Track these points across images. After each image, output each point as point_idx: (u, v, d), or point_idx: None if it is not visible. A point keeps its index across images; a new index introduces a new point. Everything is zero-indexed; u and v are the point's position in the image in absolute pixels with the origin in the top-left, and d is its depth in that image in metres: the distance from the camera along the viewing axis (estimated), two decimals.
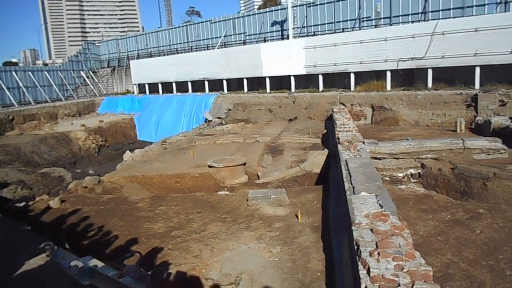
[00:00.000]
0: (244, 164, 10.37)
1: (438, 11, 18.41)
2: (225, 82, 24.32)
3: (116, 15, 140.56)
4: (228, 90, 24.33)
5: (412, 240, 3.83)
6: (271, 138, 14.00)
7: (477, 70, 15.36)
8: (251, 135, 14.76)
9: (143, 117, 25.87)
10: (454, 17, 17.41)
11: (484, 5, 17.30)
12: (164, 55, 31.39)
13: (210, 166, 10.04)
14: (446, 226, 6.31)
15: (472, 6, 17.52)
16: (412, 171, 8.42)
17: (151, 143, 18.10)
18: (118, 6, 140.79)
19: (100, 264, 3.82)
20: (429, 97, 15.46)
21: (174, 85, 27.80)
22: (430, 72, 16.57)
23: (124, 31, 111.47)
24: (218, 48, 26.77)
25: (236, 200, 8.14)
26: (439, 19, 17.42)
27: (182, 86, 27.55)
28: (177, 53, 30.67)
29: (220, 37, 27.85)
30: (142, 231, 6.82)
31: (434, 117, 15.21)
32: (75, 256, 3.76)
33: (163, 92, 28.84)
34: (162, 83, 28.80)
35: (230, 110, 21.72)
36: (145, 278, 3.94)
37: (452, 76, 16.26)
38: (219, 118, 21.29)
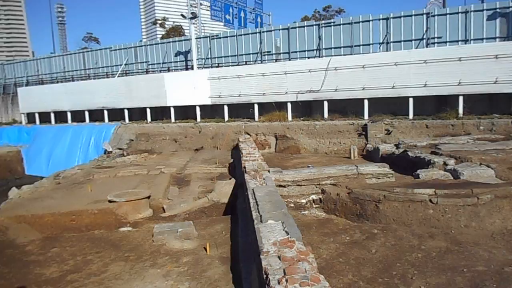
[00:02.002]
0: (149, 197, 9.90)
1: (331, 48, 20.23)
2: (126, 112, 23.38)
3: (2, 37, 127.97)
4: (130, 119, 23.41)
5: (316, 264, 3.96)
6: (177, 169, 13.67)
7: (366, 102, 17.08)
8: (156, 166, 14.25)
9: (32, 149, 23.46)
10: (344, 55, 19.25)
11: (369, 44, 19.47)
12: (57, 82, 29.24)
13: (110, 201, 9.37)
14: (346, 248, 6.69)
15: (359, 45, 19.59)
16: (314, 196, 8.84)
17: (42, 177, 16.37)
18: (4, 28, 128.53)
19: None
20: (326, 127, 16.66)
21: (69, 114, 25.88)
22: (325, 104, 17.94)
23: (12, 56, 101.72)
24: (118, 76, 25.80)
25: (140, 236, 7.68)
26: (331, 55, 19.12)
27: (78, 116, 25.75)
28: (73, 80, 28.80)
29: (121, 65, 26.93)
30: (32, 278, 6.03)
31: (331, 145, 16.40)
32: None
33: (56, 122, 26.64)
34: (55, 112, 26.63)
35: (132, 140, 20.83)
36: None
37: (345, 108, 17.82)
38: (120, 149, 20.24)
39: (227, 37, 23.42)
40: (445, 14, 18.16)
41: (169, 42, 26.26)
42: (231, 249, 6.76)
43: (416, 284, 5.41)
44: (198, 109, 20.96)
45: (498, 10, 17.11)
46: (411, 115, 16.31)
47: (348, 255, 6.38)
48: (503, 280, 5.37)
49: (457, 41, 17.87)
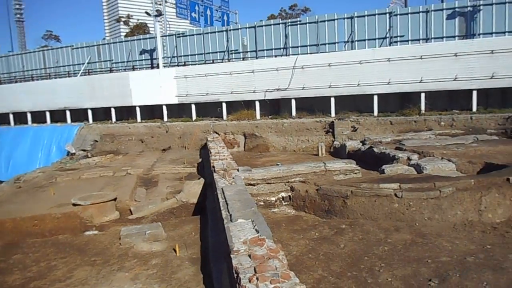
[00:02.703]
0: (115, 199, 9.65)
1: (297, 47, 20.40)
2: (90, 112, 22.69)
3: None
4: (94, 120, 22.74)
5: (286, 261, 3.97)
6: (144, 170, 13.40)
7: (332, 100, 17.37)
8: (122, 167, 13.92)
9: None
10: (310, 53, 19.47)
11: (335, 43, 19.79)
12: (16, 82, 27.98)
13: (74, 204, 9.07)
14: (315, 244, 6.75)
15: (325, 44, 19.87)
16: (283, 194, 8.88)
17: (1, 182, 15.68)
18: None
19: None
20: (294, 125, 16.80)
21: (29, 115, 24.83)
22: (293, 102, 18.10)
23: None
24: (81, 75, 24.98)
25: (106, 240, 7.46)
26: (298, 54, 19.29)
27: (39, 117, 24.74)
28: (33, 80, 27.62)
29: (83, 64, 26.09)
30: None
31: (299, 142, 16.57)
32: None
33: (15, 123, 25.49)
34: (14, 113, 25.47)
35: (96, 141, 20.24)
36: None
37: (312, 106, 18.04)
38: (84, 150, 19.63)
39: (193, 35, 23.15)
40: (407, 14, 18.71)
41: (134, 40, 25.67)
42: (201, 249, 6.68)
43: (383, 276, 5.54)
44: (164, 108, 20.62)
45: (457, 9, 17.81)
46: (376, 112, 16.73)
47: (318, 251, 6.44)
48: (465, 269, 5.58)
49: (419, 39, 18.46)
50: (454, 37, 17.95)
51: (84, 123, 22.24)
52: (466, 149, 10.85)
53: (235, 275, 3.76)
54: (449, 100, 16.54)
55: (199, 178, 11.15)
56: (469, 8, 17.66)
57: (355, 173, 9.43)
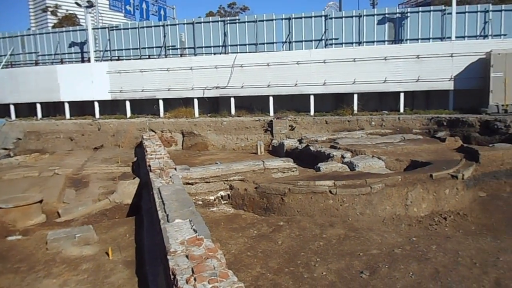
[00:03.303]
0: (41, 201, 8.99)
1: (236, 45, 20.40)
2: (12, 107, 20.92)
3: None
4: (17, 116, 21.01)
5: (225, 260, 3.96)
6: (74, 170, 12.65)
7: (271, 99, 17.62)
8: (49, 167, 13.01)
9: None
10: (249, 52, 19.57)
11: (273, 43, 20.07)
12: None
13: None
14: (254, 241, 6.80)
15: (264, 43, 20.09)
16: (222, 193, 8.85)
17: None
18: None
19: None
20: (233, 123, 16.80)
21: None
22: (232, 100, 18.09)
23: None
24: (2, 68, 22.93)
25: (31, 245, 6.91)
26: (237, 52, 19.30)
27: None
28: None
29: (5, 55, 23.99)
30: None
31: (238, 141, 16.60)
32: None
33: None
34: None
35: (20, 139, 18.73)
36: None
37: (252, 104, 18.17)
38: (5, 149, 18.08)
39: (128, 28, 22.21)
40: (341, 17, 19.48)
41: (62, 31, 24.04)
42: (136, 252, 6.44)
43: (319, 270, 5.71)
44: (96, 104, 19.60)
45: (387, 15, 18.89)
46: (312, 112, 17.25)
47: (256, 248, 6.49)
48: (394, 260, 5.92)
49: (352, 43, 19.31)
50: (384, 41, 19.03)
51: (6, 119, 20.45)
52: (394, 148, 11.56)
53: (172, 276, 3.68)
54: (380, 101, 17.51)
55: (134, 178, 10.76)
56: (397, 15, 18.82)
57: (293, 171, 9.65)
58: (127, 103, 19.32)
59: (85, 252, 6.44)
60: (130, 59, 21.11)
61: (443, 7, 18.89)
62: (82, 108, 20.45)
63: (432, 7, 19.99)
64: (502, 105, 14.43)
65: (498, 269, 5.52)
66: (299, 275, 5.62)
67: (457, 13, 17.18)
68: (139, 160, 13.42)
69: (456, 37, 17.00)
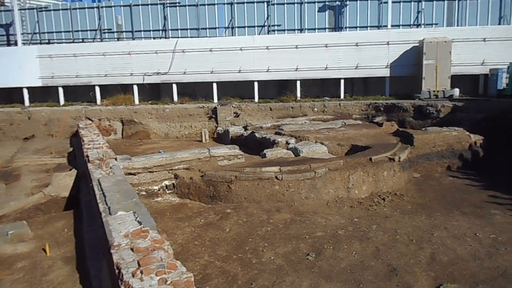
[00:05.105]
0: None
1: (177, 29, 19.79)
2: None
3: None
4: None
5: (172, 251, 3.89)
6: (2, 162, 11.70)
7: (215, 86, 17.40)
8: None
9: None
10: (191, 37, 19.10)
11: (215, 28, 19.73)
12: None
13: None
14: (201, 230, 6.73)
15: (206, 29, 19.68)
16: (167, 182, 8.62)
17: None
18: None
19: None
20: (176, 111, 16.37)
21: None
22: (174, 87, 17.62)
23: None
24: None
25: None
26: (178, 37, 18.75)
27: None
28: None
29: None
30: None
31: (182, 129, 16.24)
32: None
33: None
34: None
35: None
36: None
37: (195, 91, 17.82)
38: None
39: (58, 10, 20.67)
40: (284, 4, 19.55)
41: None
42: (76, 247, 6.12)
43: (267, 255, 5.78)
44: (25, 91, 18.19)
45: (327, 3, 19.26)
46: (256, 99, 17.29)
47: (204, 237, 6.43)
48: (338, 241, 6.14)
49: (294, 29, 19.50)
50: (325, 29, 19.43)
51: None
52: (336, 133, 11.93)
53: (117, 271, 3.56)
54: (322, 88, 17.95)
55: (70, 169, 10.15)
56: (337, 3, 19.26)
57: (239, 158, 9.63)
58: (60, 90, 18.13)
59: (19, 250, 6.01)
60: (62, 43, 19.74)
61: None
62: (9, 95, 18.88)
63: None
64: (434, 91, 15.43)
65: (433, 245, 5.93)
66: (248, 261, 5.65)
67: (392, 2, 17.95)
68: (75, 150, 12.68)
69: (392, 25, 17.81)
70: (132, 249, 3.82)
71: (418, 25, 18.87)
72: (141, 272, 3.37)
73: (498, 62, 15.48)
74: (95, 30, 20.31)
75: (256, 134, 12.28)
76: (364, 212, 7.69)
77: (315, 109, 15.83)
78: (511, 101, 13.42)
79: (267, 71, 17.11)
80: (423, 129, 12.16)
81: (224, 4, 19.63)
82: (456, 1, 18.72)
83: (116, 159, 8.17)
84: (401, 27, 18.65)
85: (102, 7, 20.53)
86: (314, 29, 19.37)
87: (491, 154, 11.03)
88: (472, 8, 18.71)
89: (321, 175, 8.26)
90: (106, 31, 20.35)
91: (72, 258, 5.74)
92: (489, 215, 7.38)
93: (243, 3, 19.53)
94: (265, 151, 10.06)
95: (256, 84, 17.28)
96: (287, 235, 6.50)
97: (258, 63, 17.08)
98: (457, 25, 18.48)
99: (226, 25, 19.74)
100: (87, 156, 8.29)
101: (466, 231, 6.40)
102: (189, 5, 19.83)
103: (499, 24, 18.52)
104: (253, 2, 19.51)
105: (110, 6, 20.65)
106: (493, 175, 9.90)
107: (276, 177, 8.05)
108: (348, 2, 19.21)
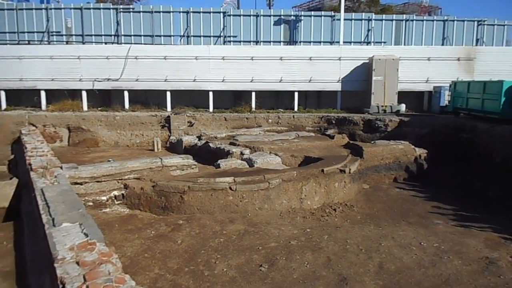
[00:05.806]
0: None
1: (130, 35, 19.37)
2: None
3: None
4: None
5: (121, 264, 3.75)
6: None
7: (168, 94, 17.14)
8: None
9: None
10: (145, 44, 18.75)
11: (170, 36, 19.51)
12: None
13: None
14: (152, 242, 6.53)
15: (160, 36, 19.40)
16: (116, 192, 8.29)
17: None
18: None
19: None
20: (127, 118, 15.90)
21: None
22: (126, 94, 17.15)
23: None
24: None
25: None
26: (131, 43, 18.34)
27: None
28: None
29: None
30: None
31: (133, 137, 15.77)
32: None
33: None
34: None
35: None
36: None
37: (148, 99, 17.45)
38: None
39: (3, 10, 19.57)
40: (240, 15, 19.79)
41: None
42: (16, 261, 5.72)
43: (220, 267, 5.71)
44: None
45: (282, 17, 19.71)
46: (211, 108, 17.23)
47: (154, 249, 6.25)
48: (290, 252, 6.19)
49: (250, 41, 19.75)
50: (280, 42, 19.83)
51: None
52: (289, 144, 12.11)
53: (61, 286, 3.37)
54: (276, 100, 18.24)
55: (11, 178, 9.52)
56: (292, 17, 19.76)
57: (192, 168, 9.47)
58: (2, 93, 17.10)
59: None
60: (6, 44, 18.65)
61: (333, 13, 20.41)
62: None
63: (323, 12, 21.49)
64: (382, 106, 16.16)
65: (381, 254, 6.13)
66: (200, 273, 5.55)
67: (345, 19, 18.71)
68: (17, 158, 11.93)
69: (344, 42, 18.53)
70: (77, 263, 3.64)
71: (368, 43, 19.79)
72: (87, 287, 3.21)
73: (441, 80, 16.55)
74: (43, 32, 19.42)
75: (211, 144, 12.19)
76: (316, 223, 7.83)
77: (270, 120, 16.02)
78: (452, 118, 14.39)
79: (222, 81, 17.13)
80: (372, 142, 12.66)
81: (179, 12, 19.54)
82: (404, 22, 19.86)
83: (61, 167, 7.77)
84: (352, 43, 19.46)
85: (50, 8, 19.73)
86: (270, 41, 19.74)
87: (434, 167, 11.69)
88: (418, 29, 19.96)
89: (274, 186, 8.33)
90: (54, 33, 19.53)
91: (12, 273, 5.39)
92: (432, 225, 7.77)
93: (199, 12, 19.54)
94: (219, 161, 10.00)
95: (211, 93, 17.23)
96: (240, 246, 6.46)
97: (214, 73, 17.07)
98: (404, 44, 19.59)
99: (182, 34, 19.62)
100: (30, 164, 7.83)
101: (411, 240, 6.68)
102: (143, 12, 19.55)
103: (443, 44, 19.87)
104: (209, 12, 19.58)
105: (60, 8, 19.89)
106: (436, 187, 10.48)
107: (230, 188, 8.01)
108: (302, 17, 19.79)
